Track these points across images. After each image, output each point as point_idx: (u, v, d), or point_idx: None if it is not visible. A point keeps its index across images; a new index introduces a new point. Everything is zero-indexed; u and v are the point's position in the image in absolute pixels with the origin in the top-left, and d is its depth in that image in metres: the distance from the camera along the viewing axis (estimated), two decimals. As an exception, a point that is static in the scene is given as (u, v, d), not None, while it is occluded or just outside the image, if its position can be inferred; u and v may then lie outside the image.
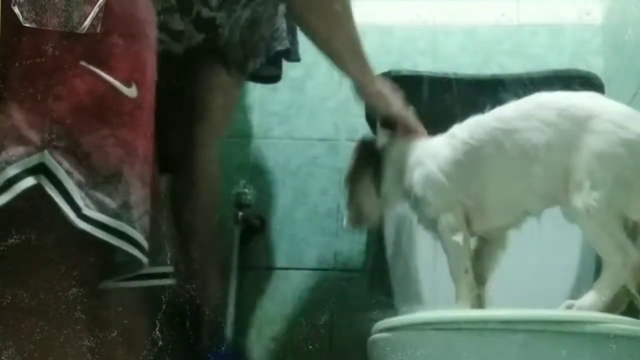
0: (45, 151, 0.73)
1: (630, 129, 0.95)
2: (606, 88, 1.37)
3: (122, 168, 0.77)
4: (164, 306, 0.92)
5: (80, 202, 0.74)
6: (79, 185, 0.74)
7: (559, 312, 0.92)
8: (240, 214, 1.56)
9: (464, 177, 1.08)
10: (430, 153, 1.13)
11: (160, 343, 0.86)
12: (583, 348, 0.86)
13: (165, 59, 0.88)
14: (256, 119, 1.69)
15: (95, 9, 0.75)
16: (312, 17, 1.20)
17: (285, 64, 1.51)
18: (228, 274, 1.51)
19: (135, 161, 0.79)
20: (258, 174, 1.64)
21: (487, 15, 1.72)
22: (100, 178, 0.75)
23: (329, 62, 1.25)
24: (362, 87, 1.24)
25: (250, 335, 1.54)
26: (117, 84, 0.78)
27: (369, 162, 1.21)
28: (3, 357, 0.72)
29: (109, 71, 0.78)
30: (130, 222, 0.77)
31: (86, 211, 0.74)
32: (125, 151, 0.78)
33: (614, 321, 0.88)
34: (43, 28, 0.74)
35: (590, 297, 0.93)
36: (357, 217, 1.23)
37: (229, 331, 1.46)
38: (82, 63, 0.76)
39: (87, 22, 0.75)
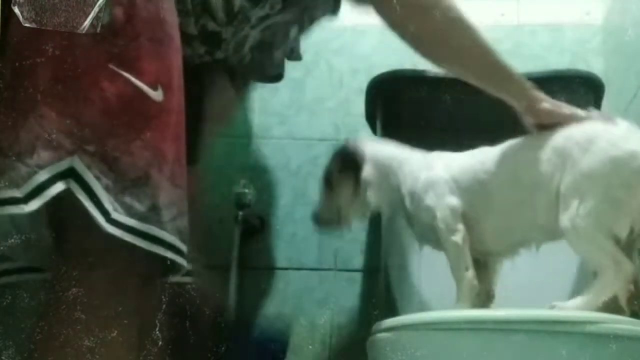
0: (76, 155, 0.73)
1: (621, 147, 0.95)
2: (606, 88, 1.37)
3: (149, 171, 0.77)
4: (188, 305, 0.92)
5: (109, 206, 0.74)
6: (107, 189, 0.74)
7: (559, 312, 0.91)
8: (240, 214, 1.56)
9: (471, 196, 1.08)
10: (444, 162, 1.14)
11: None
12: (583, 348, 0.86)
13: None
14: (256, 119, 1.69)
15: (96, 8, 0.75)
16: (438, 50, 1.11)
17: (286, 64, 1.51)
18: (228, 274, 1.51)
19: (163, 164, 0.79)
20: (258, 174, 1.64)
21: (487, 15, 1.72)
22: (128, 182, 0.76)
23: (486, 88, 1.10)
24: (526, 108, 1.08)
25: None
26: (143, 87, 0.78)
27: (352, 166, 1.20)
28: (3, 357, 0.72)
29: (136, 74, 0.78)
30: (160, 225, 0.77)
31: (115, 215, 0.74)
32: (152, 154, 0.78)
33: (614, 321, 0.88)
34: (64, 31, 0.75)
35: (576, 302, 0.93)
36: (331, 219, 1.23)
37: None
38: (111, 66, 0.77)
39: (87, 22, 0.75)
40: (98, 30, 0.75)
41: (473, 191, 1.08)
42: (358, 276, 1.57)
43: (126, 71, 0.77)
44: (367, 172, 1.18)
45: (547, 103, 1.07)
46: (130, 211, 0.75)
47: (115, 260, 0.77)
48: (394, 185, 1.17)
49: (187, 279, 0.97)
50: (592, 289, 0.93)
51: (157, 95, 0.79)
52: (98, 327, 0.74)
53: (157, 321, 0.84)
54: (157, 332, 0.84)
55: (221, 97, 1.25)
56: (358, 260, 1.58)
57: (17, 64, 0.75)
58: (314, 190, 1.62)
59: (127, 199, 0.75)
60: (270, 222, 1.62)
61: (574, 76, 1.36)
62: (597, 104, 1.38)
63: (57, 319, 0.74)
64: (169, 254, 0.78)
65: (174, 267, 0.80)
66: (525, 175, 1.03)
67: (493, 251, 1.09)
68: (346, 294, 1.55)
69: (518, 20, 1.71)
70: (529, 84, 1.08)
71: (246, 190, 1.57)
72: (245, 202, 1.56)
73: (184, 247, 0.80)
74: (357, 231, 1.39)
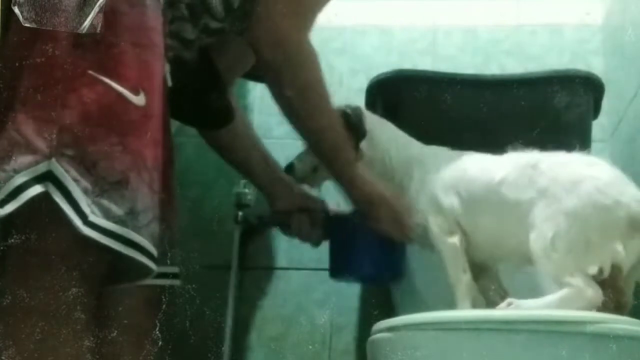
0: (53, 159, 0.74)
1: (606, 194, 0.96)
2: (606, 88, 1.36)
3: (128, 175, 0.78)
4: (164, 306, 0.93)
5: (86, 209, 0.75)
6: (86, 192, 0.75)
7: (559, 312, 0.91)
8: (240, 214, 1.56)
9: (463, 205, 1.09)
10: (441, 163, 1.14)
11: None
12: (583, 348, 0.86)
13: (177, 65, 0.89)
14: (256, 119, 1.69)
15: (96, 8, 0.75)
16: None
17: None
18: (228, 274, 1.51)
19: (142, 168, 0.80)
20: (258, 174, 1.64)
21: (487, 15, 1.72)
22: (106, 185, 0.76)
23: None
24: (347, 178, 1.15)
25: (250, 335, 1.54)
26: (125, 92, 0.79)
27: (353, 134, 1.18)
28: (3, 357, 0.72)
29: (117, 79, 0.79)
30: (136, 229, 0.78)
31: (92, 218, 0.75)
32: (132, 158, 0.79)
33: (614, 321, 0.89)
34: (51, 36, 0.75)
35: (533, 304, 0.93)
36: (305, 176, 1.23)
37: (228, 331, 1.46)
38: (90, 72, 0.78)
39: (87, 22, 0.75)
40: (98, 30, 0.76)
41: (465, 201, 1.08)
42: (358, 276, 1.56)
43: (107, 77, 0.78)
44: (365, 145, 1.17)
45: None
46: (108, 214, 0.76)
47: (82, 262, 0.77)
48: (387, 168, 1.17)
49: (176, 282, 0.98)
50: (554, 298, 0.94)
51: (138, 99, 0.81)
52: (59, 331, 0.74)
53: (155, 322, 0.85)
54: (157, 333, 0.85)
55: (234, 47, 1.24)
56: (358, 260, 1.58)
57: None
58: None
59: (105, 202, 0.76)
60: (271, 222, 1.62)
61: (573, 76, 1.36)
62: (597, 104, 1.38)
63: (16, 321, 0.74)
64: (143, 259, 0.79)
65: (144, 271, 0.81)
66: (510, 208, 1.03)
67: (480, 261, 1.09)
68: (346, 294, 1.55)
69: (518, 20, 1.71)
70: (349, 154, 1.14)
71: (246, 190, 1.57)
72: (245, 202, 1.56)
73: (155, 252, 0.81)
74: (357, 231, 1.38)
